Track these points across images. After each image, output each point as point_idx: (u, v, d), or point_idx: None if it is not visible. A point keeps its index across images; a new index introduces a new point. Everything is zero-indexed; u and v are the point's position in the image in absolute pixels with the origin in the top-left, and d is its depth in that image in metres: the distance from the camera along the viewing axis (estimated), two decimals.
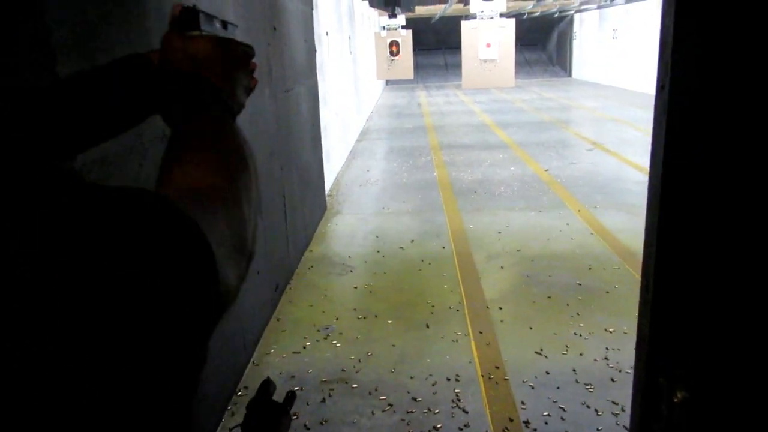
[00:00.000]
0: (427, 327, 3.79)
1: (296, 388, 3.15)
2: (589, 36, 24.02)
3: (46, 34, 1.62)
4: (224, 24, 0.88)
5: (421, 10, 17.69)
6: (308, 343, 3.64)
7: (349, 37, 10.23)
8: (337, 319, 3.95)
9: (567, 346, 3.49)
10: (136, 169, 2.11)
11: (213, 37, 0.81)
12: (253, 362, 3.44)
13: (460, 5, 14.47)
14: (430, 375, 3.24)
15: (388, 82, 24.14)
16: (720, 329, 0.92)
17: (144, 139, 2.18)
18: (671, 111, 0.91)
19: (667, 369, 0.93)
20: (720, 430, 0.88)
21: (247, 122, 3.50)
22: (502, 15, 8.55)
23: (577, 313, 3.89)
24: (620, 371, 3.20)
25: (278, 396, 1.02)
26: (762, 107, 0.85)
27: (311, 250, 5.28)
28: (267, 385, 0.87)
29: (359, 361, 3.41)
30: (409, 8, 14.65)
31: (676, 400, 0.87)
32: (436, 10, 17.79)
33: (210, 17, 0.84)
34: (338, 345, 3.61)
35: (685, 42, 0.86)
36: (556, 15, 24.39)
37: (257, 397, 0.87)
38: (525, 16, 23.04)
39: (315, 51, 5.99)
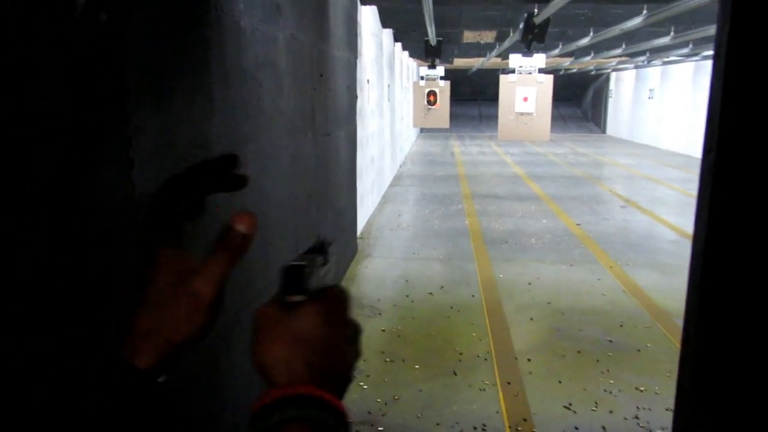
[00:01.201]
0: (455, 374, 3.77)
1: None
2: (625, 94, 24.13)
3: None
4: (324, 255, 0.66)
5: (459, 62, 18.05)
6: None
7: (388, 85, 10.49)
8: (365, 361, 3.96)
9: (596, 403, 3.44)
10: None
11: (323, 305, 0.60)
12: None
13: (498, 59, 14.74)
14: (457, 423, 3.21)
15: (422, 130, 24.48)
16: (762, 385, 0.94)
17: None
18: (717, 173, 0.96)
19: (709, 424, 0.95)
20: None
21: (289, 162, 3.62)
22: (540, 70, 8.71)
23: (608, 370, 3.84)
24: (651, 431, 3.13)
25: None
26: None
27: None
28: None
29: (386, 404, 3.41)
30: (448, 60, 14.98)
31: None
32: (474, 63, 18.13)
33: (313, 257, 0.63)
34: (365, 387, 3.61)
35: (731, 111, 0.91)
36: (592, 72, 24.61)
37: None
38: (562, 72, 23.30)
39: (356, 98, 6.18)
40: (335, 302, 0.61)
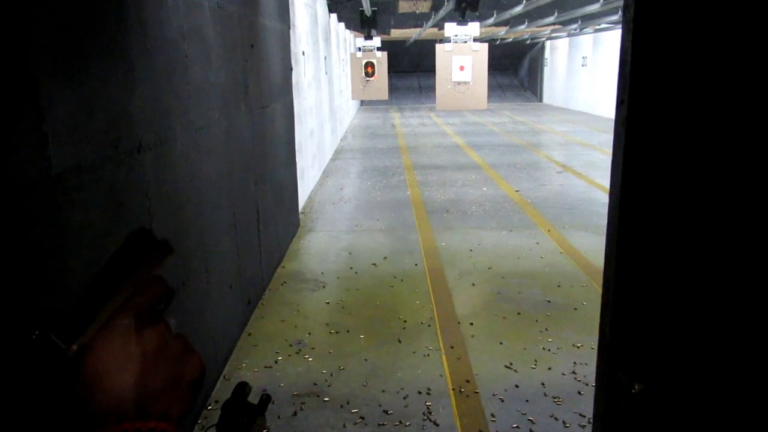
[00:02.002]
0: (399, 342, 3.82)
1: None
2: (559, 63, 24.63)
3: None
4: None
5: (396, 33, 17.95)
6: (280, 358, 3.63)
7: (325, 58, 10.33)
8: (309, 333, 3.96)
9: (536, 361, 3.55)
10: (110, 178, 2.12)
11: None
12: (224, 377, 3.43)
13: (435, 29, 14.73)
14: (402, 389, 3.26)
15: (363, 103, 24.34)
16: (674, 326, 0.98)
17: (120, 149, 2.20)
18: (629, 124, 0.98)
19: (627, 364, 0.99)
20: (674, 418, 0.94)
21: (223, 135, 3.53)
22: (475, 39, 8.77)
23: (546, 329, 3.97)
24: (587, 385, 3.27)
25: (254, 400, 1.05)
26: (713, 118, 0.92)
27: (284, 267, 5.28)
28: (243, 387, 0.89)
29: (331, 375, 3.42)
30: (384, 31, 14.85)
31: (634, 391, 0.92)
32: (411, 34, 18.07)
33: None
34: (310, 359, 3.61)
35: (642, 61, 0.93)
36: (528, 41, 24.97)
37: (233, 398, 0.89)
38: (498, 42, 23.54)
39: (291, 70, 6.05)
40: None
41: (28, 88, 1.64)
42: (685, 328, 0.98)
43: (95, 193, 2.01)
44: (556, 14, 11.72)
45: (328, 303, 4.49)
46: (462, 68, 8.57)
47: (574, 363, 3.52)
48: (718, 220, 0.96)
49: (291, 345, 3.80)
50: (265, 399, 0.96)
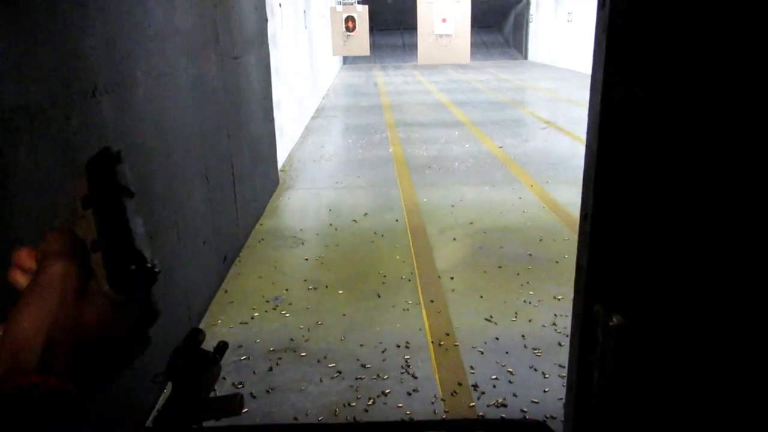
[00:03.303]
0: (379, 297, 3.76)
1: (243, 358, 3.08)
2: (545, 19, 24.26)
3: None
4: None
5: None
6: (256, 314, 3.56)
7: (304, 11, 10.02)
8: (286, 290, 3.88)
9: (516, 314, 3.51)
10: (62, 122, 1.98)
11: None
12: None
13: None
14: (380, 343, 3.21)
15: (345, 62, 23.89)
16: (654, 257, 0.90)
17: (72, 91, 2.05)
18: (611, 29, 0.87)
19: (604, 296, 0.91)
20: (655, 353, 0.86)
21: (190, 84, 3.37)
22: None
23: (528, 282, 3.92)
24: (568, 336, 3.23)
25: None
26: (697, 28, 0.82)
27: (262, 224, 5.17)
28: (196, 333, 0.79)
29: (308, 330, 3.36)
30: None
31: (611, 324, 0.84)
32: None
33: None
34: (287, 315, 3.54)
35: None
36: None
37: (184, 345, 0.78)
38: None
39: (266, 20, 5.82)
40: None
41: None
42: (665, 256, 0.90)
43: (44, 136, 1.87)
44: None
45: (306, 259, 4.40)
46: (444, 20, 8.35)
47: (555, 315, 3.48)
48: (701, 143, 0.86)
49: (268, 301, 3.72)
50: (221, 347, 0.87)
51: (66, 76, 2.02)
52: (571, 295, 3.17)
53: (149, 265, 0.50)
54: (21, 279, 0.51)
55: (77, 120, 2.09)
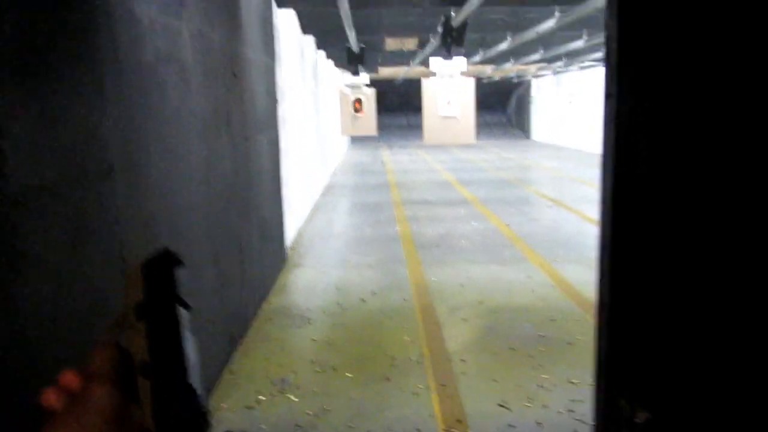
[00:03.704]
0: (388, 380, 3.65)
1: None
2: (546, 100, 24.95)
3: None
4: None
5: (384, 72, 18.16)
6: (262, 398, 3.45)
7: (313, 94, 10.35)
8: (294, 372, 3.77)
9: (531, 398, 3.39)
10: (77, 201, 1.99)
11: None
12: None
13: (423, 67, 14.89)
14: (389, 429, 3.08)
15: (353, 141, 24.45)
16: (680, 346, 0.86)
17: (88, 171, 2.08)
18: (619, 117, 0.87)
19: (627, 390, 0.86)
20: None
21: (203, 164, 3.42)
22: (462, 75, 8.83)
23: (540, 365, 3.81)
24: (586, 423, 3.10)
25: None
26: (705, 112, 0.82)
27: (269, 302, 5.11)
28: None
29: (315, 416, 3.24)
30: (372, 68, 14.99)
31: (637, 421, 0.79)
32: (399, 72, 18.27)
33: None
34: (294, 399, 3.43)
35: (630, 48, 0.83)
36: (514, 80, 25.33)
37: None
38: (485, 80, 23.85)
39: (276, 102, 6.00)
40: None
41: None
42: (692, 347, 0.86)
43: (58, 216, 1.88)
44: (541, 51, 11.87)
45: (314, 340, 4.32)
46: (449, 103, 8.59)
47: (571, 400, 3.35)
48: (721, 221, 0.84)
49: (274, 384, 3.62)
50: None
51: (82, 156, 2.05)
52: (588, 379, 3.07)
53: (203, 410, 0.46)
54: (54, 400, 0.47)
55: (91, 198, 2.10)
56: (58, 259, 1.86)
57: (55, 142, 1.87)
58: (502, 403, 3.34)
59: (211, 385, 3.51)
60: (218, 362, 3.69)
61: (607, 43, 0.88)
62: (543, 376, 3.67)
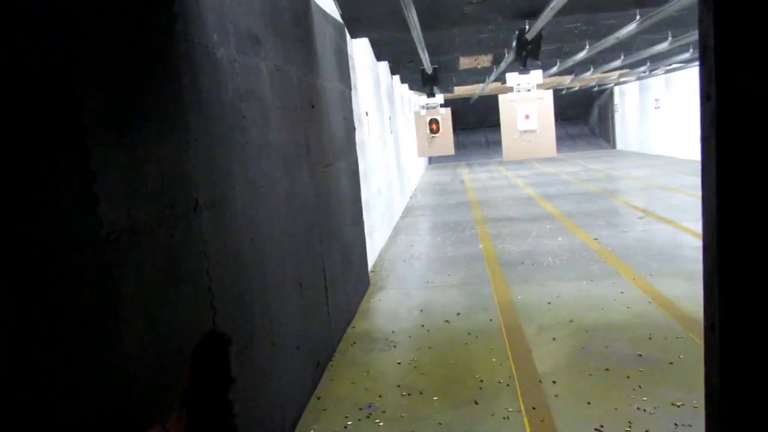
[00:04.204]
0: (476, 403, 3.55)
1: None
2: (630, 107, 24.00)
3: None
4: None
5: (460, 91, 18.11)
6: (350, 423, 3.45)
7: (390, 118, 10.46)
8: (380, 396, 3.76)
9: (630, 423, 3.19)
10: (166, 239, 2.09)
11: None
12: None
13: (498, 84, 14.74)
14: None
15: (431, 161, 24.47)
16: None
17: (176, 209, 2.17)
18: (720, 123, 0.80)
19: (744, 422, 0.78)
20: None
21: (285, 194, 3.51)
22: (539, 88, 8.65)
23: (640, 386, 3.59)
24: None
25: None
26: None
27: (354, 327, 5.14)
28: None
29: None
30: (447, 88, 14.99)
31: None
32: (475, 89, 18.17)
33: None
34: (381, 424, 3.41)
35: (731, 43, 0.77)
36: (595, 89, 24.56)
37: None
38: (564, 91, 23.27)
39: (354, 129, 6.10)
40: None
41: (78, 148, 1.64)
42: None
43: (150, 255, 1.97)
44: (622, 57, 11.44)
45: (399, 363, 4.29)
46: (527, 117, 8.43)
47: (675, 425, 3.13)
48: None
49: (361, 409, 3.61)
50: None
51: (171, 196, 2.15)
52: (693, 402, 2.86)
53: None
54: None
55: (179, 236, 2.19)
56: (150, 296, 1.95)
57: (144, 183, 1.97)
58: (599, 428, 3.17)
59: (298, 411, 3.55)
60: (305, 388, 3.74)
61: (702, 40, 0.81)
62: (643, 398, 3.45)
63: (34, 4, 1.52)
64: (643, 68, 14.69)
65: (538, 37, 6.99)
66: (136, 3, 2.04)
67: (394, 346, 4.62)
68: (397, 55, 9.68)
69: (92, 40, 1.74)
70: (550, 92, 8.64)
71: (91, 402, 1.62)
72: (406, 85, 14.64)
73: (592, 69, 13.68)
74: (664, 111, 20.22)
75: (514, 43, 7.43)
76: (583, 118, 29.21)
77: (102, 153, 1.74)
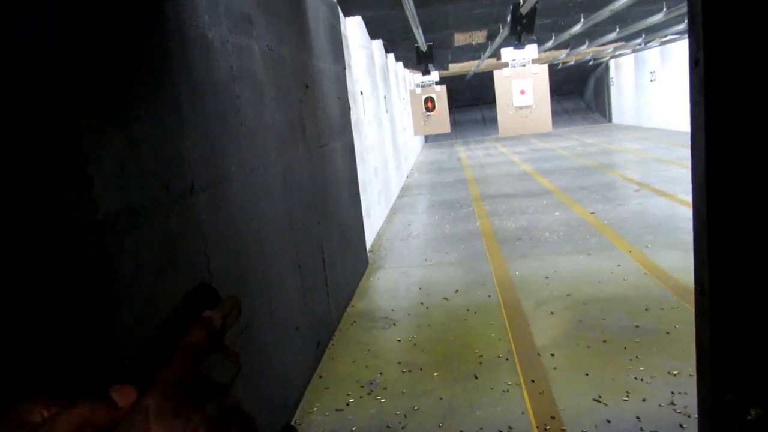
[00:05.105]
0: (476, 378, 3.60)
1: None
2: (626, 80, 23.90)
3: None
4: None
5: (455, 68, 17.99)
6: (352, 400, 3.49)
7: (384, 97, 10.41)
8: (381, 373, 3.80)
9: (628, 392, 3.24)
10: (163, 221, 2.09)
11: None
12: (296, 422, 3.31)
13: (493, 60, 14.64)
14: (481, 428, 3.04)
15: (427, 140, 24.40)
16: None
17: (171, 191, 2.17)
18: (709, 88, 0.81)
19: (736, 384, 0.80)
20: None
21: (281, 174, 3.51)
22: (534, 63, 8.59)
23: (637, 357, 3.64)
24: (689, 416, 2.93)
25: None
26: None
27: (353, 306, 5.17)
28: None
29: (405, 416, 3.24)
30: (442, 66, 14.88)
31: (749, 418, 0.73)
32: (470, 67, 18.05)
33: None
34: (383, 400, 3.45)
35: (717, 7, 0.77)
36: (590, 63, 24.42)
37: None
38: (559, 66, 23.14)
39: (349, 109, 6.07)
40: None
41: (71, 130, 1.64)
42: None
43: (147, 236, 1.98)
44: (617, 30, 11.36)
45: (399, 341, 4.33)
46: (523, 92, 8.38)
47: (672, 393, 3.18)
48: None
49: (363, 386, 3.65)
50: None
51: (166, 178, 2.15)
52: (689, 370, 2.91)
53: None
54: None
55: (176, 218, 2.20)
56: (148, 277, 1.96)
57: (139, 165, 1.97)
58: (597, 398, 3.22)
59: (300, 390, 3.59)
60: (306, 367, 3.77)
61: (691, 5, 0.81)
62: (640, 368, 3.50)
63: None
64: (638, 40, 14.60)
65: (533, 11, 6.93)
66: None
67: (394, 324, 4.66)
68: (391, 33, 9.60)
69: (82, 20, 1.73)
70: (546, 67, 8.59)
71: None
72: (400, 63, 14.54)
73: (587, 43, 13.59)
74: (659, 83, 20.15)
75: (508, 18, 7.37)
76: (579, 92, 29.09)
77: (95, 135, 1.74)
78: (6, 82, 1.44)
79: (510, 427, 3.01)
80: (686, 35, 13.13)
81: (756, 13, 0.76)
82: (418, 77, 13.22)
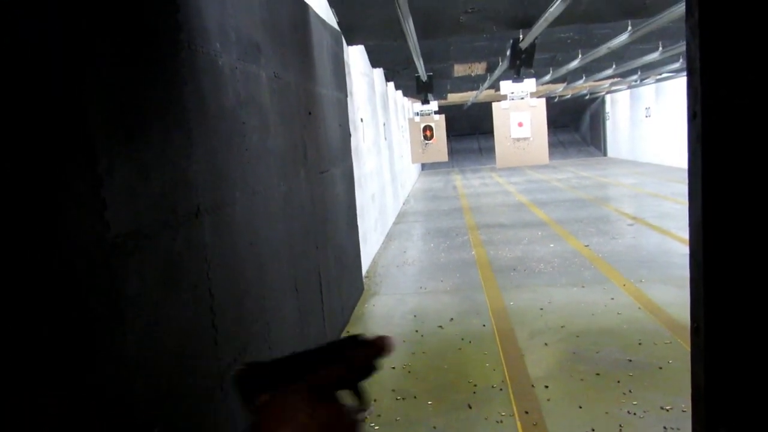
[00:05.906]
0: (470, 407, 3.61)
1: None
2: (621, 115, 24.23)
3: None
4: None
5: (454, 98, 18.22)
6: None
7: (384, 124, 10.53)
8: (375, 400, 3.80)
9: (621, 426, 3.26)
10: (168, 243, 2.13)
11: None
12: None
13: (492, 91, 14.86)
14: None
15: (424, 167, 24.57)
16: None
17: (178, 214, 2.22)
18: (706, 139, 0.87)
19: (728, 420, 0.84)
20: None
21: (282, 199, 3.56)
22: (532, 96, 8.75)
23: (630, 391, 3.66)
24: None
25: None
26: None
27: (348, 331, 5.18)
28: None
29: None
30: (441, 95, 15.07)
31: None
32: (468, 97, 18.29)
33: None
34: (377, 428, 3.45)
35: (716, 63, 0.83)
36: (587, 97, 24.77)
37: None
38: (556, 99, 23.46)
39: (349, 135, 6.16)
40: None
41: (86, 153, 1.68)
42: None
43: (152, 257, 2.02)
44: (614, 66, 11.58)
45: (393, 368, 4.33)
46: (520, 124, 8.52)
47: (665, 428, 3.20)
48: None
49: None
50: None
51: (173, 200, 2.19)
52: (681, 405, 2.93)
53: None
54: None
55: (181, 240, 2.24)
56: (152, 297, 1.99)
57: (149, 188, 2.01)
58: (590, 431, 3.23)
59: None
60: None
61: (690, 63, 0.87)
62: (633, 402, 3.52)
63: (39, 12, 1.56)
64: (634, 77, 14.86)
65: (532, 46, 7.09)
66: (141, 12, 2.09)
67: None
68: (392, 63, 9.76)
69: (98, 48, 1.79)
70: (543, 100, 8.74)
71: (95, 402, 1.66)
72: (400, 92, 14.73)
73: (584, 77, 13.82)
74: (654, 119, 20.44)
75: (508, 52, 7.52)
76: (575, 125, 29.43)
77: (109, 158, 1.79)
78: (26, 107, 1.49)
79: None
80: (680, 74, 13.31)
81: (750, 72, 0.82)
82: (417, 105, 13.39)
